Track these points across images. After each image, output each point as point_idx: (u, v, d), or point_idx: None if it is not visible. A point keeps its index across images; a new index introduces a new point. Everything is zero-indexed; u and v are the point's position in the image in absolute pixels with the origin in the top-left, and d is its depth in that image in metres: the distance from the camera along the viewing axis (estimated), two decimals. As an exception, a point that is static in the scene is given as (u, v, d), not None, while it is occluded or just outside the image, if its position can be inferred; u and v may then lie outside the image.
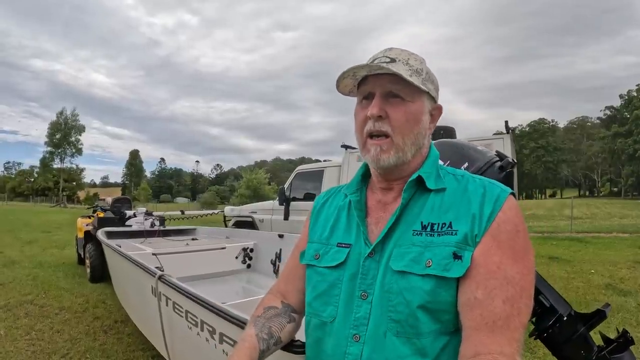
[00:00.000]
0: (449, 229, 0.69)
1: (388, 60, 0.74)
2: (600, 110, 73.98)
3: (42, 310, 3.94)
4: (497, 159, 1.11)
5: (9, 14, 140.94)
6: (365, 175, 0.87)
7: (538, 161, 69.63)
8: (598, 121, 73.70)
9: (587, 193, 76.35)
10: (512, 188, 0.77)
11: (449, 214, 0.71)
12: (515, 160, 1.12)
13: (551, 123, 75.50)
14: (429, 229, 0.71)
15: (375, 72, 0.74)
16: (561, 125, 79.76)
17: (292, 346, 0.92)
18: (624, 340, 1.02)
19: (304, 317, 0.88)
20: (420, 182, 0.76)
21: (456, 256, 0.67)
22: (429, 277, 0.67)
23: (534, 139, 70.56)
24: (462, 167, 1.06)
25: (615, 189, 66.41)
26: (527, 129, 73.39)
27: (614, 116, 63.39)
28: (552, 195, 79.59)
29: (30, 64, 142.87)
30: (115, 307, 3.98)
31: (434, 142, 0.89)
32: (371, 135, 0.75)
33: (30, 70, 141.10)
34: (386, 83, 0.74)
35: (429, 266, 0.67)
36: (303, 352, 0.86)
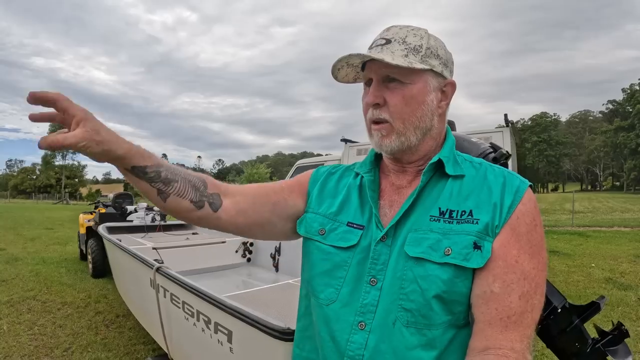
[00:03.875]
0: (470, 217, 0.66)
1: (384, 42, 0.70)
2: (603, 104, 73.94)
3: (45, 305, 3.98)
4: (491, 150, 1.09)
5: (9, 14, 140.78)
6: (378, 157, 0.83)
7: (540, 155, 69.39)
8: (600, 115, 73.39)
9: (589, 187, 76.12)
10: None
11: (468, 201, 0.68)
12: (510, 153, 1.11)
13: (553, 117, 75.05)
14: (447, 215, 0.68)
15: (366, 59, 0.71)
16: (563, 119, 79.60)
17: (281, 333, 0.92)
18: (619, 333, 1.01)
19: (299, 292, 0.83)
20: (439, 166, 0.73)
21: (476, 246, 0.64)
22: (448, 266, 0.64)
23: (536, 133, 70.22)
24: None
25: (618, 183, 66.27)
26: (529, 122, 73.04)
27: (616, 110, 63.03)
28: (554, 189, 79.42)
29: (31, 62, 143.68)
30: (117, 302, 4.01)
31: None
32: (374, 121, 0.73)
33: (31, 68, 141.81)
34: (381, 67, 0.70)
35: (448, 254, 0.64)
36: (292, 340, 0.84)
